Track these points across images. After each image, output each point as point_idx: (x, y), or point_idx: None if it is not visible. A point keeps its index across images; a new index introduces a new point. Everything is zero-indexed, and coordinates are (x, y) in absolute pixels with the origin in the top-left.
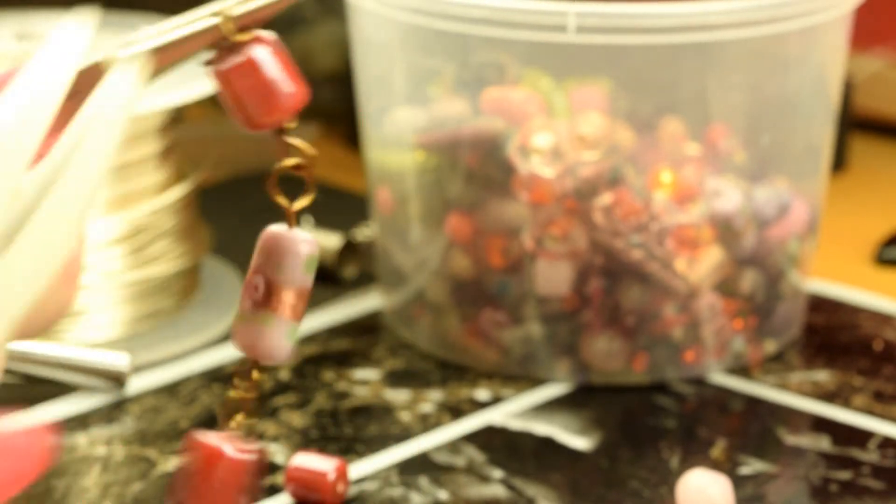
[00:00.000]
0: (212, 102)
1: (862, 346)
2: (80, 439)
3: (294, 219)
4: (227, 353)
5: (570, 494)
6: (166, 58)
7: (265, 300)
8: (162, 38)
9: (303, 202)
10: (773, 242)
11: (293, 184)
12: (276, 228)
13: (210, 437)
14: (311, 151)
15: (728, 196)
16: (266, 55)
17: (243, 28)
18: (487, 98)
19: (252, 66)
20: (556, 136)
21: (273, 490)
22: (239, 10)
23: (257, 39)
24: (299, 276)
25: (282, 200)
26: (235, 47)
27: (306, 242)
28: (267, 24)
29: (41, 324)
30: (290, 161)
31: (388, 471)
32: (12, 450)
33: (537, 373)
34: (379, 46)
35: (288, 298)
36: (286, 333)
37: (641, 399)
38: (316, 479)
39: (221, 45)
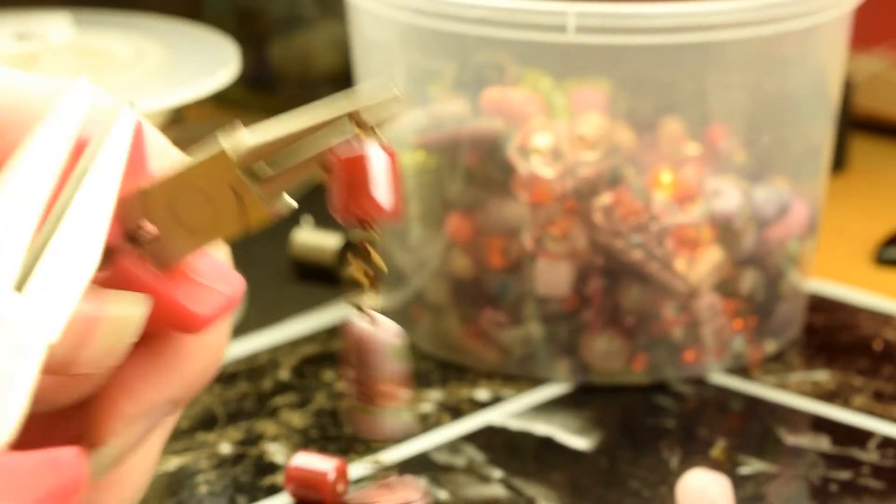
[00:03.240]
0: (212, 102)
1: (862, 346)
2: None
3: (372, 315)
4: (227, 354)
5: (570, 494)
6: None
7: (366, 395)
8: (286, 127)
9: (372, 301)
10: (773, 242)
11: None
12: (357, 323)
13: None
14: (381, 265)
15: (728, 196)
16: (381, 158)
17: (367, 127)
18: (487, 98)
19: (363, 161)
20: (556, 136)
21: (273, 490)
22: (369, 117)
23: (380, 143)
24: (391, 367)
25: (355, 301)
26: (357, 140)
27: (389, 335)
28: (268, 25)
29: None
30: (359, 271)
31: (388, 471)
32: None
33: (537, 373)
34: (379, 46)
35: (387, 389)
36: (394, 417)
37: (641, 399)
38: (316, 479)
39: (343, 135)
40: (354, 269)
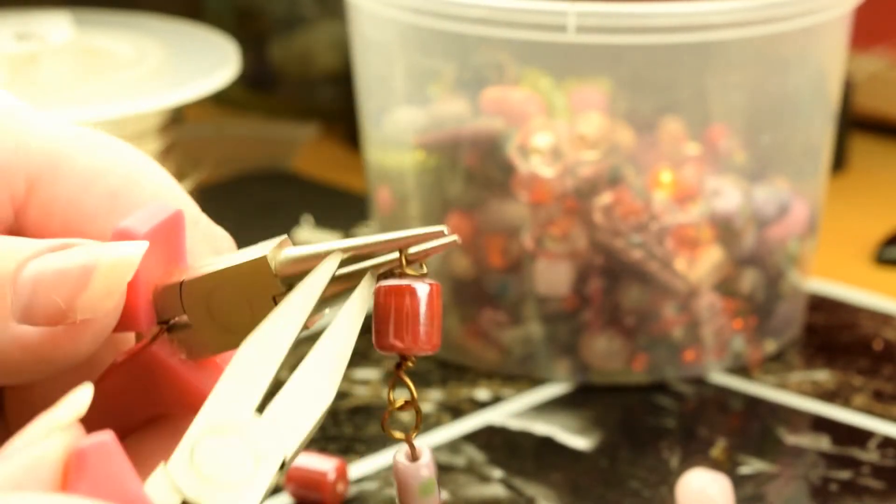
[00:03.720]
0: (212, 102)
1: (862, 346)
2: None
3: (412, 446)
4: None
5: (570, 494)
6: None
7: None
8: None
9: (415, 432)
10: (773, 242)
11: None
12: (398, 458)
13: None
14: (415, 392)
15: (728, 196)
16: (425, 294)
17: (412, 262)
18: (487, 98)
19: (412, 295)
20: (556, 136)
21: (273, 490)
22: (415, 250)
23: (424, 278)
24: (420, 502)
25: (398, 434)
26: (402, 275)
27: (421, 469)
28: (268, 25)
29: None
30: (399, 402)
31: (388, 471)
32: None
33: (537, 373)
34: (379, 46)
35: None
36: None
37: (641, 399)
38: (316, 479)
39: (388, 260)
40: (393, 399)
